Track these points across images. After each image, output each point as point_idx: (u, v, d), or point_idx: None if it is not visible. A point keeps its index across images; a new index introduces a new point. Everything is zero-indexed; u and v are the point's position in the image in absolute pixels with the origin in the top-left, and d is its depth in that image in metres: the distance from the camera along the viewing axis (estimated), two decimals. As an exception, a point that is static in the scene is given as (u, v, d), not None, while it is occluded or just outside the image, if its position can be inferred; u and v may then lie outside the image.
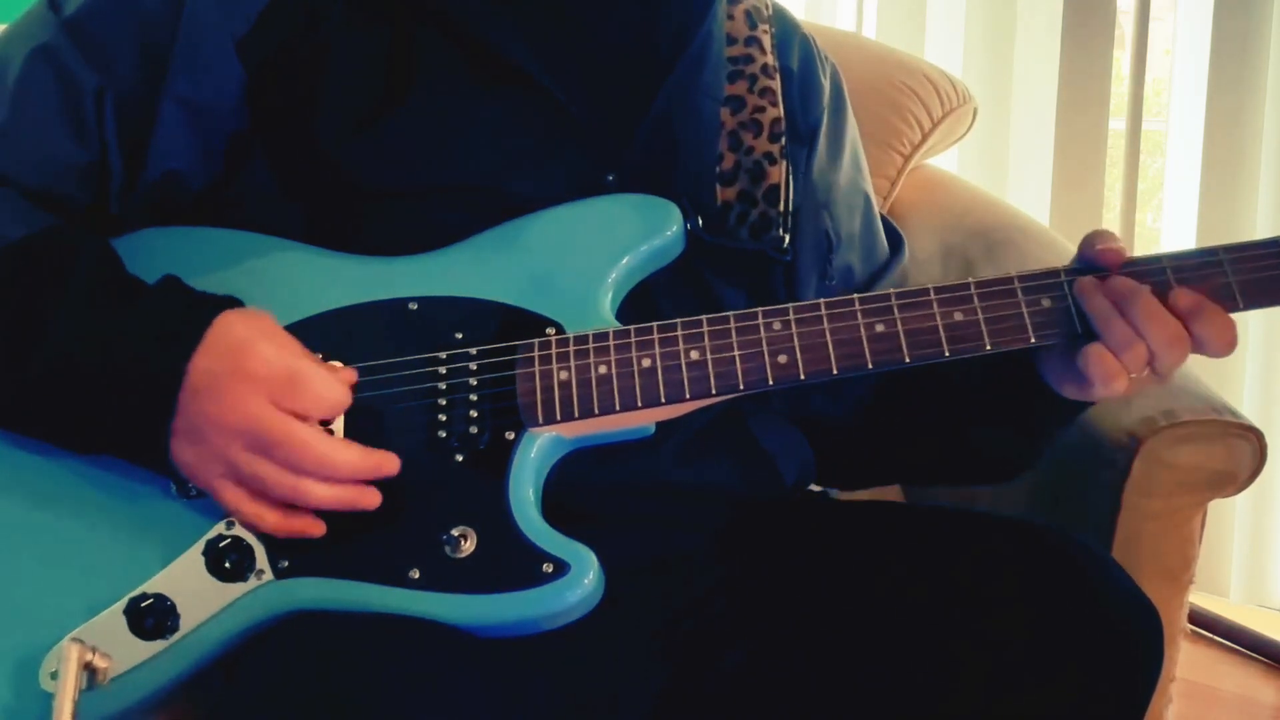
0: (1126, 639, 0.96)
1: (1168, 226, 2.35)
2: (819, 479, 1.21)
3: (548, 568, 0.94)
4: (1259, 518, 2.33)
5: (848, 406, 1.18)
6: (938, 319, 0.98)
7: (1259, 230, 2.17)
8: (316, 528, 0.94)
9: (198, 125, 1.04)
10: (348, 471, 0.93)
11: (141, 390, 0.93)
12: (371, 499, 0.95)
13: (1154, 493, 1.24)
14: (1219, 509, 2.21)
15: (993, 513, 1.13)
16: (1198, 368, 1.37)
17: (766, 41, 1.17)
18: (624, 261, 1.03)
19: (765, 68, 1.15)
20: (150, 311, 0.95)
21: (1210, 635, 2.25)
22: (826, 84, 1.22)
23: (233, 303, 0.98)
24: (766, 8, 1.20)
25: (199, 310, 0.95)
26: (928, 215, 1.75)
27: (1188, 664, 1.39)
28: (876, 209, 1.26)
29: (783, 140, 1.13)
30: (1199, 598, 2.24)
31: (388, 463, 0.95)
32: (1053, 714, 0.95)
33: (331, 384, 0.95)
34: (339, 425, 0.97)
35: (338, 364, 0.99)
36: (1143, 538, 1.25)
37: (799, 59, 1.20)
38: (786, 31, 1.21)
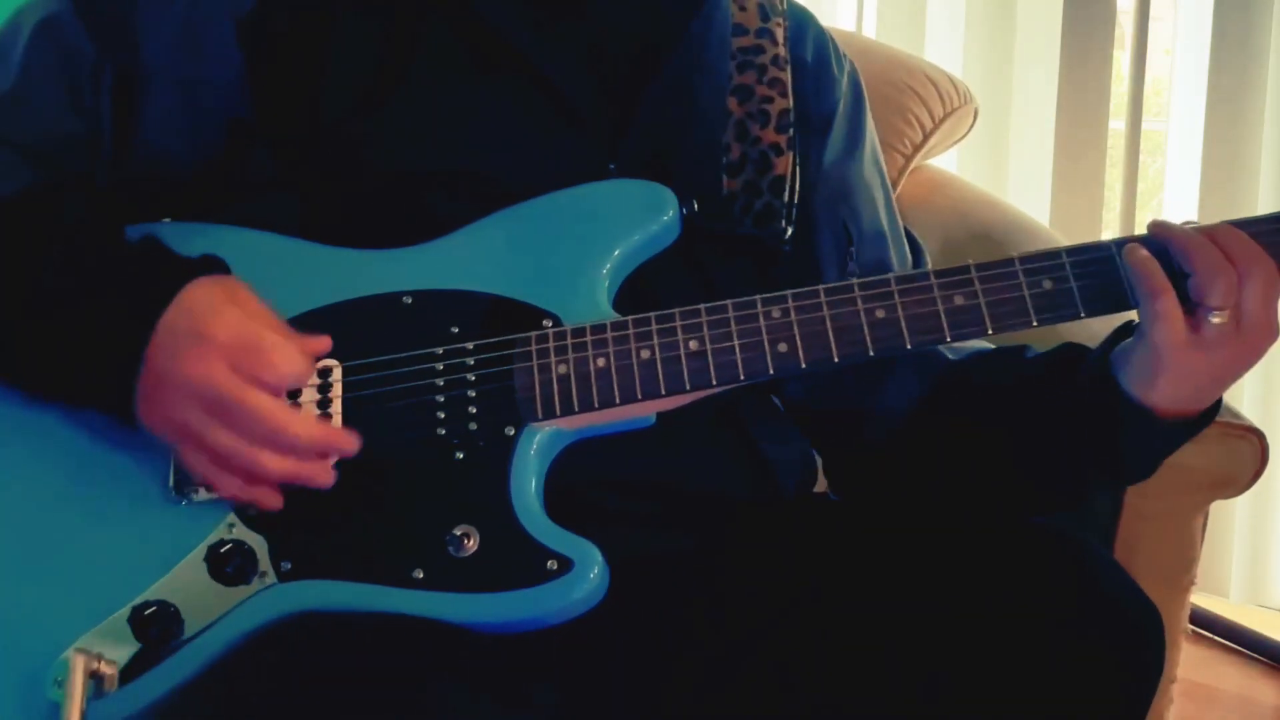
0: (1128, 639, 0.96)
1: (1167, 226, 2.35)
2: (831, 486, 1.20)
3: (552, 565, 0.93)
4: (1259, 518, 2.33)
5: (889, 411, 1.14)
6: (939, 303, 0.97)
7: (1259, 230, 2.17)
8: (273, 499, 0.94)
9: (193, 104, 1.05)
10: (303, 441, 0.93)
11: (111, 343, 0.94)
12: (325, 476, 0.94)
13: (1155, 494, 1.24)
14: (1219, 509, 2.19)
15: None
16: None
17: (779, 34, 1.16)
18: (619, 248, 1.02)
19: (776, 59, 1.15)
20: (129, 272, 0.96)
21: (1210, 635, 2.25)
22: (843, 79, 1.21)
23: (212, 265, 0.98)
24: (781, 2, 1.20)
25: (175, 272, 0.96)
26: (928, 216, 1.75)
27: (1188, 664, 1.40)
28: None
29: (790, 131, 1.12)
30: (1199, 598, 2.24)
31: (345, 440, 0.95)
32: (1054, 714, 0.95)
33: (290, 354, 0.94)
34: (336, 419, 0.97)
35: (317, 338, 0.98)
36: (1144, 539, 1.25)
37: (813, 50, 1.19)
38: (801, 25, 1.20)
